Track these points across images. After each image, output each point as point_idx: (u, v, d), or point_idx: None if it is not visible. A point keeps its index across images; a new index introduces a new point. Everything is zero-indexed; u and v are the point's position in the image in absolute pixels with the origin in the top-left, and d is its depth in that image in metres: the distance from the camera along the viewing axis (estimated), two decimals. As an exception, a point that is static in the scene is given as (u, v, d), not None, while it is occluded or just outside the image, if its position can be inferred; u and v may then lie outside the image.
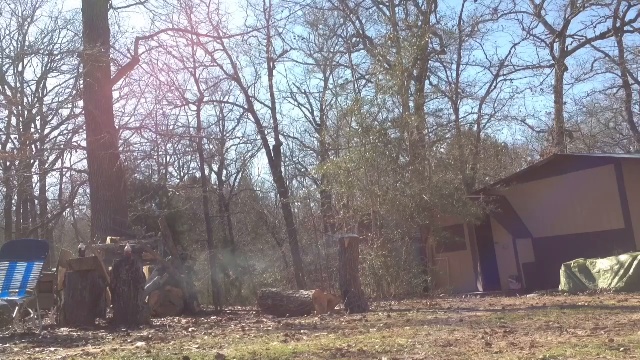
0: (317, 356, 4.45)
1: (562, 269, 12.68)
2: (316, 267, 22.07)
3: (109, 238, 12.27)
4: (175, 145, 26.14)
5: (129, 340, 6.00)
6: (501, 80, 23.38)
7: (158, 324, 8.47)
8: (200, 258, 20.84)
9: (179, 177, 28.74)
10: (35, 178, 24.19)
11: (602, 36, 22.51)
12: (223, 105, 26.20)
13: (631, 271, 11.45)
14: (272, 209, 29.60)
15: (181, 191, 23.25)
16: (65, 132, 24.85)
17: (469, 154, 20.68)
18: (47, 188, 26.16)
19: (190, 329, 7.33)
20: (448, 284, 14.77)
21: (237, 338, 5.93)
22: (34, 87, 24.88)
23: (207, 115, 29.27)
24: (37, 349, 5.47)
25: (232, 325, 7.67)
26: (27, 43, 24.31)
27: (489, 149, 23.05)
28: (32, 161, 22.65)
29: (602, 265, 12.06)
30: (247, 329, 6.98)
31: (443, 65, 23.08)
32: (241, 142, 28.33)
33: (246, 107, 24.30)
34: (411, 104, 18.78)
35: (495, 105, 22.86)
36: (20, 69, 24.45)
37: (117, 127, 19.44)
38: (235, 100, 26.17)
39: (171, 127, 25.37)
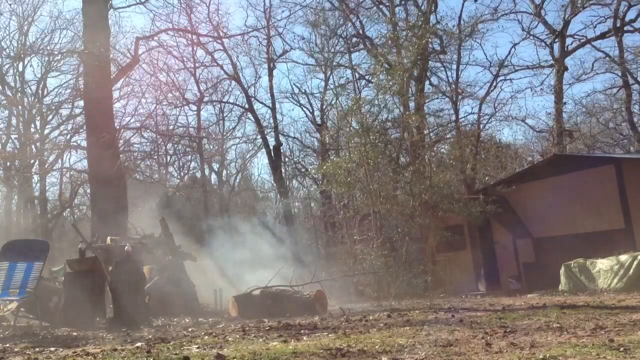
0: (317, 356, 4.44)
1: (562, 269, 12.67)
2: (316, 267, 22.00)
3: (109, 238, 12.25)
4: (175, 145, 26.21)
5: (129, 340, 6.00)
6: (501, 80, 23.32)
7: (158, 323, 8.47)
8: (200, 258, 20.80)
9: (179, 177, 28.77)
10: (35, 178, 24.23)
11: (602, 36, 22.46)
12: (223, 105, 26.21)
13: (631, 271, 11.44)
14: (272, 209, 29.57)
15: (181, 191, 23.25)
16: (65, 132, 24.92)
17: (469, 154, 20.65)
18: (47, 188, 26.18)
19: (190, 329, 7.32)
20: (448, 284, 14.77)
21: (237, 338, 5.93)
22: (34, 87, 24.91)
23: (207, 114, 29.27)
24: (37, 349, 5.47)
25: (232, 325, 7.67)
26: (27, 43, 24.31)
27: (489, 149, 22.99)
28: (32, 161, 22.67)
29: (602, 265, 12.05)
30: (247, 328, 6.98)
31: (443, 65, 23.01)
32: (241, 141, 28.35)
33: (246, 106, 24.30)
34: (411, 104, 18.78)
35: (496, 105, 22.84)
36: (20, 69, 24.49)
37: (117, 127, 19.48)
38: (235, 100, 26.15)
39: (171, 127, 25.46)
